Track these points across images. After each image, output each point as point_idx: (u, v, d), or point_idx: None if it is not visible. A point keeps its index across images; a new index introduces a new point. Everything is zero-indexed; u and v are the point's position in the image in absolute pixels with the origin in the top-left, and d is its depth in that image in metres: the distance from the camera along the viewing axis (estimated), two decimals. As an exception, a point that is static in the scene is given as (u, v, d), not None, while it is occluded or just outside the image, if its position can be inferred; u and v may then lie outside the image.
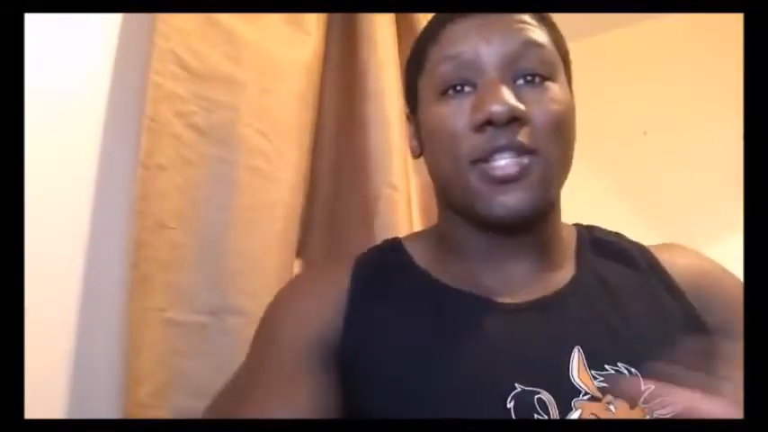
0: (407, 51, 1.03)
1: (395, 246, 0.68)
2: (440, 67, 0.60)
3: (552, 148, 0.57)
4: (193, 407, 0.74)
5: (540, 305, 0.60)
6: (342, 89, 1.01)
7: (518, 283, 0.61)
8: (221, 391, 0.75)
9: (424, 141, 0.64)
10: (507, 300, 0.60)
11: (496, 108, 0.55)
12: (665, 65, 1.60)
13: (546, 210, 0.61)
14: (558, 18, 0.63)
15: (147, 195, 0.72)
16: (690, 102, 1.56)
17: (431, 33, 0.63)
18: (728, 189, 1.38)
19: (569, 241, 0.66)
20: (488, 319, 0.58)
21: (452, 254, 0.64)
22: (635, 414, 0.52)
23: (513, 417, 0.53)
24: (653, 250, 0.66)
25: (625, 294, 0.61)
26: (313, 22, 0.93)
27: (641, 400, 0.52)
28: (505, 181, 0.56)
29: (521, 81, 0.58)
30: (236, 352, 0.76)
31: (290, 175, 0.87)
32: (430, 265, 0.64)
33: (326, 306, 0.62)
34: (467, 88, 0.59)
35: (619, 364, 0.55)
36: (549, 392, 0.53)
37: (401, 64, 1.03)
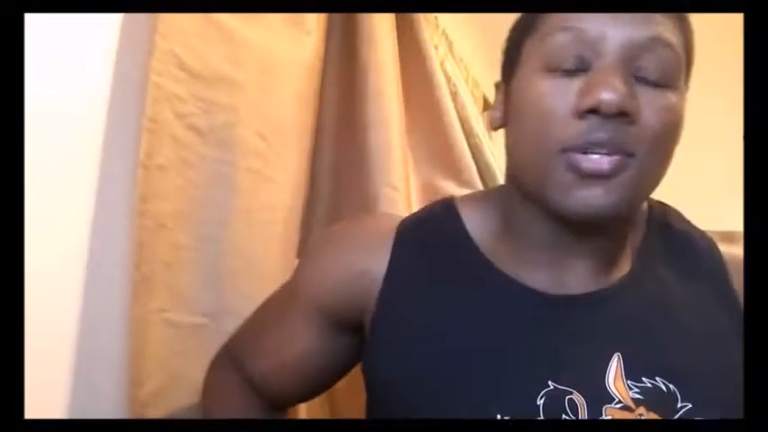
0: (407, 51, 1.04)
1: (449, 210, 0.63)
2: (556, 36, 0.53)
3: (652, 158, 0.52)
4: (194, 407, 0.74)
5: (589, 300, 0.56)
6: (342, 89, 1.01)
7: (573, 278, 0.58)
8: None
9: (511, 113, 0.57)
10: (554, 291, 0.57)
11: (607, 96, 0.49)
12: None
13: (626, 217, 0.57)
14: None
15: (146, 196, 0.72)
16: (689, 101, 1.56)
17: None
18: (728, 189, 1.38)
19: (637, 232, 0.61)
20: (532, 311, 0.56)
21: (511, 236, 0.60)
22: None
23: (542, 415, 0.51)
24: (723, 248, 0.61)
25: (680, 302, 0.58)
26: (313, 22, 0.92)
27: (675, 417, 0.51)
28: (594, 176, 0.51)
29: (639, 78, 0.52)
30: (236, 352, 0.76)
31: (290, 177, 0.87)
32: (484, 240, 0.60)
33: (356, 278, 0.61)
34: (579, 68, 0.52)
35: (657, 379, 0.53)
36: (582, 395, 0.52)
37: (401, 63, 1.03)
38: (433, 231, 0.62)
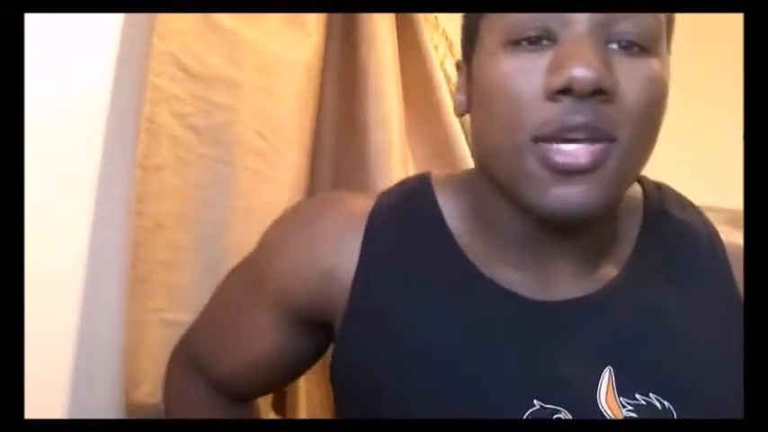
0: (407, 51, 1.04)
1: (425, 193, 0.57)
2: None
3: (636, 138, 0.46)
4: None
5: (576, 307, 0.51)
6: (342, 89, 1.01)
7: (556, 281, 0.53)
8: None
9: (474, 99, 0.51)
10: (540, 296, 0.52)
11: (580, 72, 0.42)
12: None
13: (612, 207, 0.51)
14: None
15: (144, 196, 0.72)
16: (689, 102, 1.56)
17: None
18: (728, 189, 1.38)
19: (631, 226, 0.55)
20: (514, 318, 0.51)
21: (487, 231, 0.54)
22: None
23: None
24: (726, 238, 0.56)
25: (677, 307, 0.53)
26: (314, 23, 0.92)
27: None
28: (571, 172, 0.44)
29: (614, 46, 0.45)
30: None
31: (290, 176, 0.87)
32: (461, 233, 0.54)
33: (324, 277, 0.55)
34: (544, 41, 0.45)
35: (651, 395, 0.49)
36: (571, 413, 0.48)
37: (401, 63, 1.03)
38: (407, 219, 0.56)
